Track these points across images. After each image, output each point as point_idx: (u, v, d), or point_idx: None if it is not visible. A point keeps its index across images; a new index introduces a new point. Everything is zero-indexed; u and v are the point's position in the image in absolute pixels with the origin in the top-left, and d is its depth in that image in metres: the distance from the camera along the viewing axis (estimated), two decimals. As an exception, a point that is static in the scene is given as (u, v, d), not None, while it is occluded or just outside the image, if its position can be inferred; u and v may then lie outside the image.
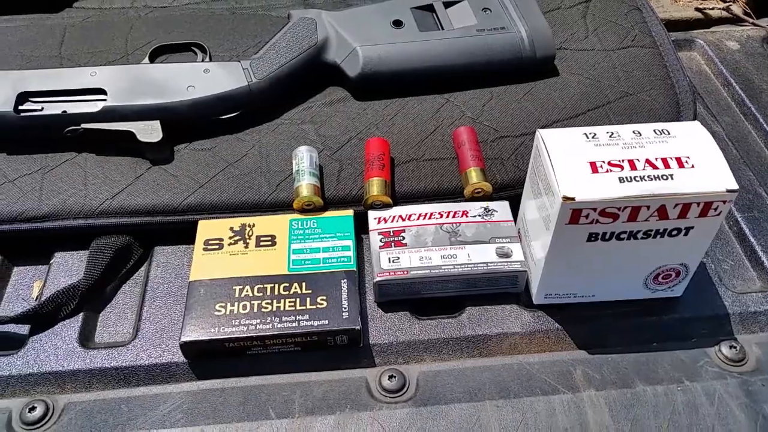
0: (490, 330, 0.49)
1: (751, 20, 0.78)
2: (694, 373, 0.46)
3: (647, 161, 0.43)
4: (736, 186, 0.42)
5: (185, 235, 0.55)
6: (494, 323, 0.49)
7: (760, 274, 0.53)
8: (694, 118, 0.65)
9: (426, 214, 0.53)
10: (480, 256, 0.50)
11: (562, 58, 0.67)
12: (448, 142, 0.59)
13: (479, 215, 0.53)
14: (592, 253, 0.45)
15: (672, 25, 0.80)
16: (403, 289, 0.50)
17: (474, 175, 0.54)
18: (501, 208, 0.53)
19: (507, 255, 0.50)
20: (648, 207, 0.42)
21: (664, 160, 0.43)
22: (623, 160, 0.43)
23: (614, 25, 0.71)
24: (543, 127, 0.60)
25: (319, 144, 0.59)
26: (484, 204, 0.54)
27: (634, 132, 0.45)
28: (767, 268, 0.53)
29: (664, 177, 0.42)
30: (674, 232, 0.44)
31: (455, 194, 0.55)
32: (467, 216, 0.53)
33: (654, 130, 0.45)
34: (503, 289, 0.51)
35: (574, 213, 0.42)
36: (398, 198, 0.56)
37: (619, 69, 0.66)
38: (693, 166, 0.43)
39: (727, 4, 0.79)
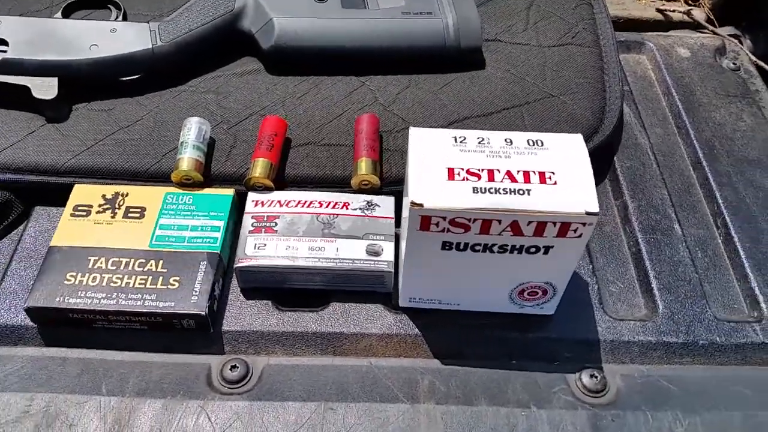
0: (349, 329, 0.47)
1: (711, 28, 0.74)
2: (544, 399, 0.44)
3: (508, 173, 0.41)
4: (596, 209, 0.39)
5: (67, 197, 0.53)
6: (354, 322, 0.48)
7: (647, 301, 0.51)
8: (618, 128, 0.62)
9: (305, 201, 0.51)
10: (348, 252, 0.48)
11: (494, 50, 0.64)
12: (352, 127, 0.57)
13: (360, 208, 0.51)
14: (450, 262, 0.43)
15: (629, 24, 0.76)
16: (266, 277, 0.48)
17: (363, 166, 0.52)
18: (385, 204, 0.51)
19: (377, 253, 0.48)
20: (500, 221, 0.40)
21: (526, 174, 0.41)
22: (483, 170, 0.41)
23: (558, 19, 0.68)
24: (452, 122, 0.58)
25: (218, 116, 0.57)
26: (369, 197, 0.52)
27: (506, 140, 0.43)
28: (655, 296, 0.50)
29: (521, 192, 0.40)
30: (532, 250, 0.42)
31: (346, 183, 0.53)
32: (347, 208, 0.51)
33: (528, 140, 0.43)
34: (372, 287, 0.49)
35: (424, 220, 0.40)
36: (287, 181, 0.54)
37: (549, 67, 0.63)
38: (555, 183, 0.40)
39: (690, 8, 0.75)
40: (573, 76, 0.62)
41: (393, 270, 0.48)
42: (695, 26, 0.75)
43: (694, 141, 0.61)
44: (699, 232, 0.55)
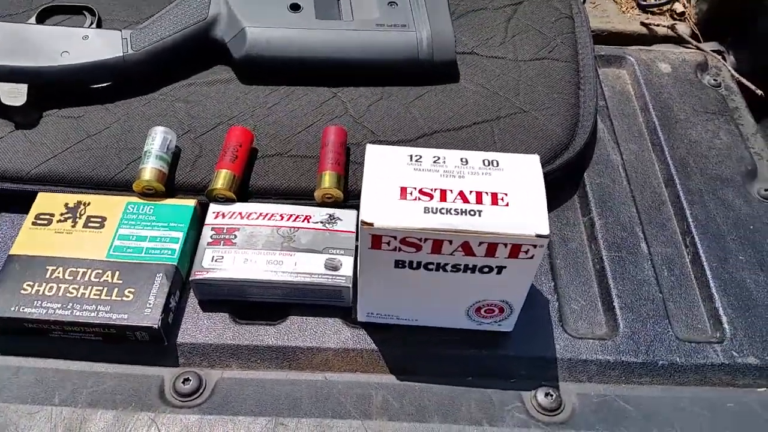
0: (306, 343, 0.47)
1: (694, 43, 0.73)
2: (497, 417, 0.44)
3: (460, 193, 0.40)
4: (546, 232, 0.39)
5: (32, 204, 0.53)
6: (311, 336, 0.47)
7: (608, 319, 0.50)
8: (590, 144, 0.61)
9: (267, 214, 0.51)
10: (307, 266, 0.48)
11: (470, 63, 0.64)
12: (320, 139, 0.56)
13: (321, 222, 0.51)
14: (404, 280, 0.43)
15: (612, 37, 0.75)
16: (223, 290, 0.48)
17: (327, 180, 0.52)
18: (347, 217, 0.51)
19: (335, 268, 0.48)
20: (450, 242, 0.39)
21: (479, 194, 0.40)
22: (435, 189, 0.40)
23: (536, 33, 0.67)
24: (422, 136, 0.58)
25: (186, 125, 0.57)
26: (331, 211, 0.51)
27: (461, 159, 0.42)
28: (616, 315, 0.50)
29: (472, 212, 0.39)
30: (485, 270, 0.41)
31: (311, 196, 0.53)
32: (309, 221, 0.50)
33: (483, 160, 0.42)
34: (331, 301, 0.49)
35: (375, 238, 0.40)
36: (251, 193, 0.54)
37: (523, 82, 0.63)
38: (507, 204, 0.40)
39: (674, 22, 0.74)
40: (547, 91, 0.62)
41: (351, 285, 0.47)
42: (679, 41, 0.74)
43: (668, 158, 0.61)
44: (667, 250, 0.55)
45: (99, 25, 0.63)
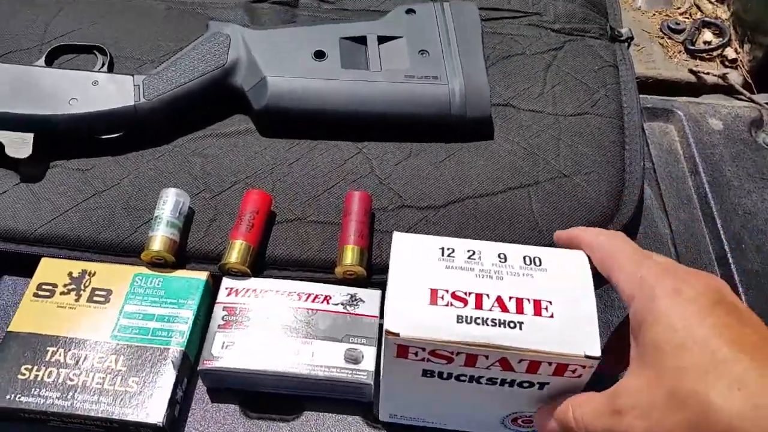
0: (321, 442, 0.43)
1: (747, 94, 0.68)
2: None
3: (498, 299, 0.36)
4: (598, 353, 0.34)
5: (35, 266, 0.50)
6: (328, 435, 0.44)
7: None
8: (637, 214, 0.56)
9: (284, 292, 0.47)
10: (325, 358, 0.44)
11: (505, 117, 0.59)
12: (342, 203, 0.52)
13: (342, 303, 0.47)
14: (432, 387, 0.39)
15: (658, 85, 0.70)
16: (234, 380, 0.44)
17: (349, 256, 0.48)
18: (370, 299, 0.47)
19: (356, 360, 0.44)
20: (486, 357, 0.35)
21: (519, 302, 0.36)
22: (470, 294, 0.36)
23: (578, 83, 0.62)
24: (451, 202, 0.54)
25: (201, 183, 0.53)
26: (353, 290, 0.47)
27: (499, 256, 0.38)
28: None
29: (512, 324, 0.35)
30: (525, 385, 0.37)
31: (331, 268, 0.49)
32: (329, 302, 0.47)
33: (525, 257, 0.38)
34: (351, 396, 0.45)
35: (401, 348, 0.36)
36: (266, 263, 0.50)
37: (563, 140, 0.58)
38: (552, 315, 0.35)
39: (726, 71, 0.69)
40: (590, 151, 0.57)
41: (372, 381, 0.43)
42: (731, 91, 0.69)
43: (721, 232, 0.56)
44: (718, 340, 0.50)
45: (111, 66, 0.59)
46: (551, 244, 0.50)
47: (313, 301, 0.47)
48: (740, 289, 0.52)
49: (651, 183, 0.59)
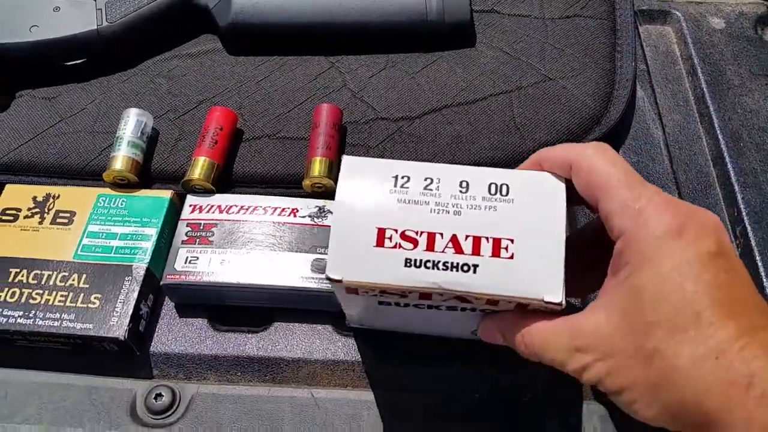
0: (290, 354, 0.42)
1: (755, -10, 0.63)
2: (504, 444, 0.39)
3: (453, 239, 0.31)
4: (558, 299, 0.30)
5: None
6: (297, 346, 0.42)
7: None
8: (626, 116, 0.53)
9: (248, 207, 0.45)
10: (291, 268, 0.42)
11: (489, 23, 0.56)
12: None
13: (310, 216, 0.45)
14: (393, 312, 0.36)
15: (657, -13, 0.65)
16: (199, 294, 0.43)
17: (316, 167, 0.46)
18: (339, 210, 0.45)
19: (323, 270, 0.42)
20: (441, 294, 0.32)
21: (476, 241, 0.31)
22: (422, 233, 0.31)
23: (567, -16, 0.58)
24: (428, 112, 0.51)
25: (166, 104, 0.52)
26: (321, 202, 0.45)
27: (461, 184, 0.32)
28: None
29: (465, 268, 0.31)
30: (488, 311, 0.34)
31: (300, 183, 0.47)
32: (296, 215, 0.45)
33: (490, 185, 0.32)
34: (320, 306, 0.43)
35: (348, 288, 0.33)
36: (234, 181, 0.48)
37: (550, 44, 0.54)
38: (512, 256, 0.31)
39: (731, -34, 0.63)
40: (577, 54, 0.53)
41: (340, 290, 0.42)
42: (736, -13, 0.64)
43: (718, 131, 0.52)
44: (713, 243, 0.47)
45: (75, -7, 0.57)
46: (531, 150, 0.48)
47: (279, 214, 0.45)
48: (736, 188, 0.48)
49: (644, 86, 0.56)
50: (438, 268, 0.31)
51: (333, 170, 0.46)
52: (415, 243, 0.31)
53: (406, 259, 0.31)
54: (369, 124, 0.50)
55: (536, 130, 0.50)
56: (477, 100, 0.51)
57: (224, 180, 0.48)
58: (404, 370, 0.42)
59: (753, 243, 0.46)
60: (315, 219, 0.45)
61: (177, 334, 0.43)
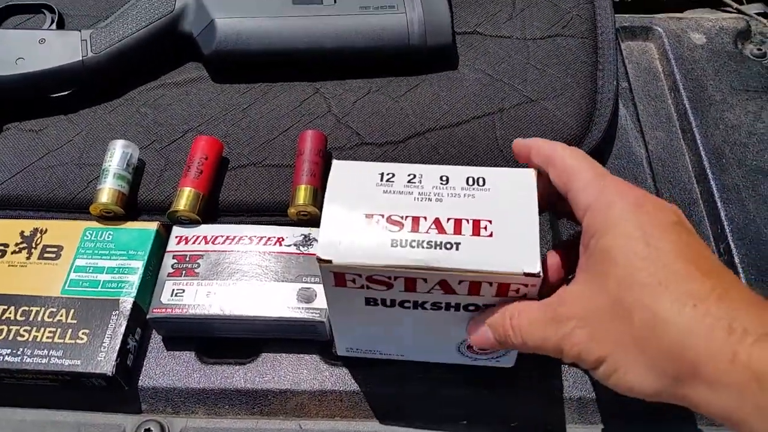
0: (278, 385, 0.42)
1: (735, 6, 0.63)
2: (493, 470, 0.39)
3: (436, 222, 0.34)
4: (536, 269, 0.32)
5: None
6: (284, 377, 0.43)
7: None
8: (608, 136, 0.53)
9: (234, 237, 0.45)
10: (278, 298, 0.43)
11: (471, 45, 0.56)
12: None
13: (296, 244, 0.45)
14: (379, 317, 0.37)
15: (638, 4, 0.65)
16: (186, 326, 0.43)
17: (301, 195, 0.46)
18: (325, 238, 0.45)
19: (309, 299, 0.42)
20: (425, 279, 0.33)
21: (457, 223, 0.34)
22: (406, 217, 0.34)
23: (549, 5, 0.59)
24: (413, 136, 0.51)
25: (152, 134, 0.52)
26: (307, 231, 0.46)
27: (441, 178, 0.36)
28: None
29: (448, 246, 0.33)
30: (471, 308, 0.35)
31: (286, 211, 0.47)
32: (281, 244, 0.45)
33: (468, 179, 0.36)
34: (307, 336, 0.44)
35: (338, 276, 0.34)
36: (220, 210, 0.48)
37: (532, 65, 0.55)
38: (491, 234, 0.33)
39: (711, -19, 0.64)
40: (559, 74, 0.54)
41: (326, 319, 0.42)
42: (717, 4, 0.65)
43: (701, 148, 0.52)
44: (698, 261, 0.47)
45: (60, 25, 0.58)
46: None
47: (265, 243, 0.45)
48: (719, 205, 0.49)
49: (627, 103, 0.56)
50: (423, 247, 0.33)
51: (318, 197, 0.46)
52: (401, 225, 0.34)
53: (392, 239, 0.33)
54: (354, 149, 0.51)
55: (520, 151, 0.50)
56: (460, 122, 0.51)
57: (210, 209, 0.48)
58: (393, 400, 0.42)
59: (737, 260, 0.47)
60: (301, 248, 0.45)
61: (165, 368, 0.43)
